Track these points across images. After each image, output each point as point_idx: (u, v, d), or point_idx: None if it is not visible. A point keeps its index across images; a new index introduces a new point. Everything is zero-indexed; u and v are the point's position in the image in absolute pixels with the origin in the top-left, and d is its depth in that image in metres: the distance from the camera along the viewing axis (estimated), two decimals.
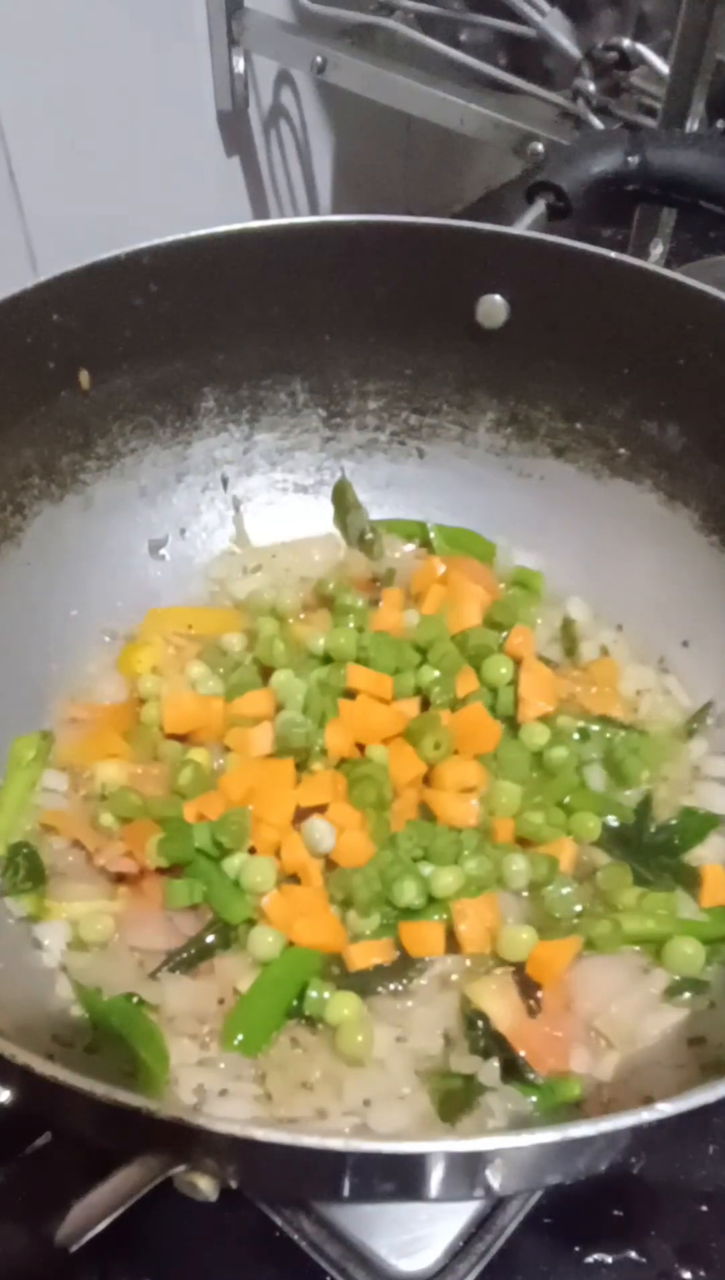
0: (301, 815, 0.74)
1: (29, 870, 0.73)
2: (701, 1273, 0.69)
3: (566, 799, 0.77)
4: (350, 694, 0.79)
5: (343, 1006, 0.66)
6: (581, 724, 0.80)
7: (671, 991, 0.68)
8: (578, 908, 0.71)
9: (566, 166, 0.84)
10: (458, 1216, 0.66)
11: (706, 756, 0.81)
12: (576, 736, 0.79)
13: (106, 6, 1.09)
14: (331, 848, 0.72)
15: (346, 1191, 0.49)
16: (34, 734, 0.80)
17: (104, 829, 0.74)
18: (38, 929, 0.71)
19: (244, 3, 1.18)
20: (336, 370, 0.92)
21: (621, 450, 0.88)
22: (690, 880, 0.74)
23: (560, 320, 0.85)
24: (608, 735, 0.80)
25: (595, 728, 0.80)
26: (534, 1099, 0.63)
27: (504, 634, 0.84)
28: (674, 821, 0.77)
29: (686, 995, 0.68)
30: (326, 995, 0.67)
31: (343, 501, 0.95)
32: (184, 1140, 0.45)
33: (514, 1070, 0.64)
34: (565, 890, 0.71)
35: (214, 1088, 0.64)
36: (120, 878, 0.73)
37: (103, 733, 0.81)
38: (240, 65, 1.22)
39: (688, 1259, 0.69)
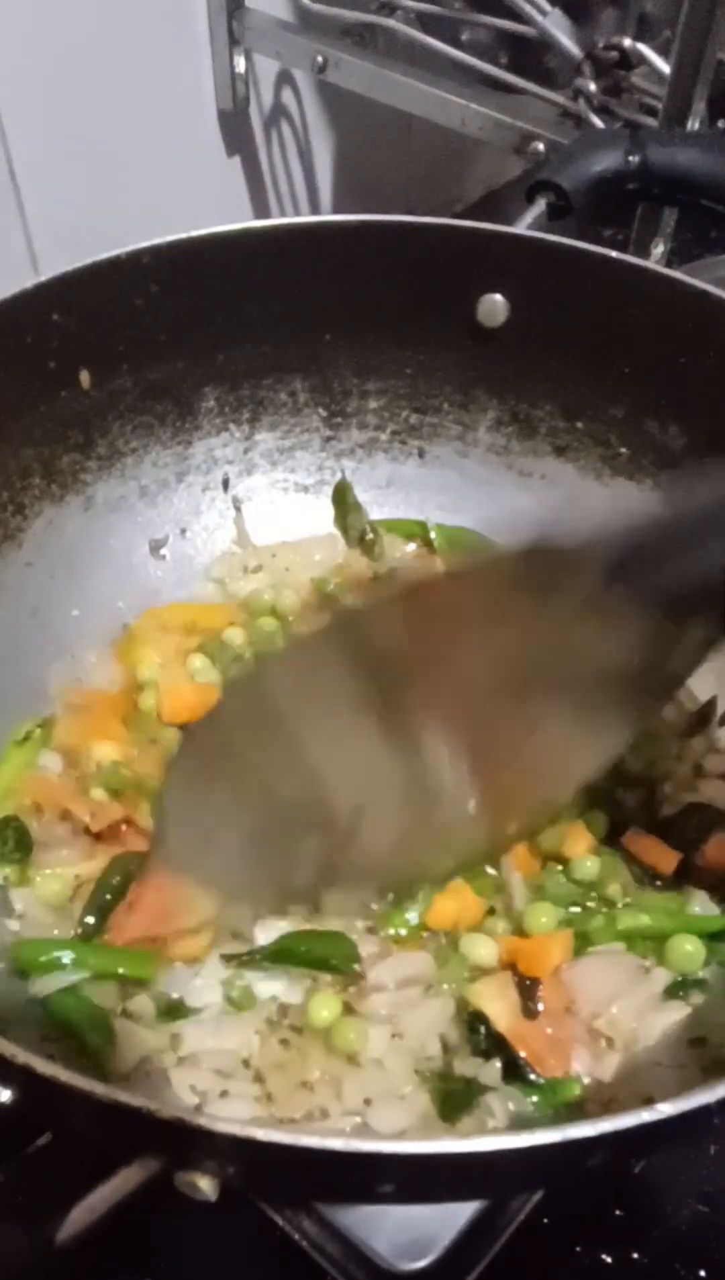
0: None
1: (17, 841, 0.74)
2: (701, 1273, 0.69)
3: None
4: None
5: (322, 1008, 0.66)
6: None
7: (672, 991, 0.68)
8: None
9: (567, 166, 0.84)
10: (458, 1216, 0.66)
11: (709, 754, 0.81)
12: None
13: (107, 6, 1.09)
14: None
15: (347, 1192, 0.49)
16: (34, 718, 0.81)
17: (94, 802, 0.75)
18: (14, 894, 0.72)
19: (245, 2, 1.18)
20: (337, 370, 0.92)
21: (622, 449, 0.88)
22: (696, 877, 0.74)
23: (561, 320, 0.85)
24: None
25: None
26: (535, 1099, 0.63)
27: None
28: (678, 817, 0.77)
29: (687, 994, 0.68)
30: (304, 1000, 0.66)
31: (343, 502, 0.95)
32: (184, 1140, 0.45)
33: (515, 1071, 0.64)
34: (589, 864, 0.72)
35: (214, 1088, 0.64)
36: (99, 836, 0.74)
37: (101, 718, 0.81)
38: (241, 65, 1.22)
39: (688, 1259, 0.69)
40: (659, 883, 0.74)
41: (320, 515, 0.96)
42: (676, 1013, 0.67)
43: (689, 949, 0.69)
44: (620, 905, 0.72)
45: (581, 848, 0.73)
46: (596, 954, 0.70)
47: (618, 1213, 0.71)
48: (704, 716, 0.83)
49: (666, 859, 0.74)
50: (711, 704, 0.83)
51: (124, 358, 0.84)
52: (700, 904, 0.72)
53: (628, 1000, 0.67)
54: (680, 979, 0.69)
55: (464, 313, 0.87)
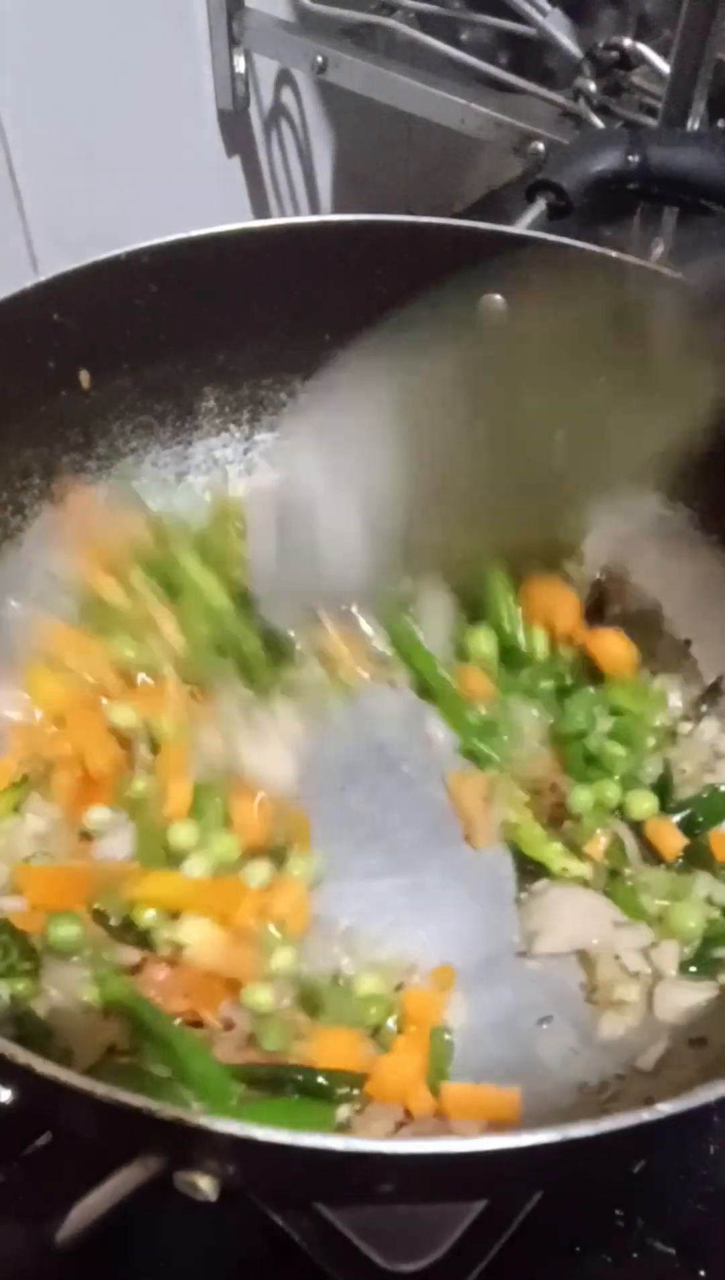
0: None
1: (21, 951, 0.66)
2: (701, 1273, 0.69)
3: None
4: None
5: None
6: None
7: (703, 968, 0.69)
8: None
9: (567, 165, 0.84)
10: (458, 1216, 0.66)
11: (721, 736, 0.81)
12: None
13: (107, 6, 1.09)
14: None
15: (347, 1192, 0.49)
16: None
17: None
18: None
19: (245, 2, 1.18)
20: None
21: None
22: (706, 861, 0.74)
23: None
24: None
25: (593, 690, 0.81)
26: None
27: None
28: (695, 799, 0.77)
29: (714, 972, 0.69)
30: None
31: None
32: (184, 1140, 0.45)
33: None
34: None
35: None
36: None
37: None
38: (241, 65, 1.22)
39: (688, 1259, 0.69)
40: (665, 865, 0.75)
41: None
42: (706, 992, 0.68)
43: (691, 925, 0.70)
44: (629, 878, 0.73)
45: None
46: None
47: (618, 1213, 0.71)
48: (713, 694, 0.83)
49: (672, 841, 0.74)
50: (718, 683, 0.83)
51: (124, 358, 0.84)
52: (706, 886, 0.72)
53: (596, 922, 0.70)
54: (700, 955, 0.70)
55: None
